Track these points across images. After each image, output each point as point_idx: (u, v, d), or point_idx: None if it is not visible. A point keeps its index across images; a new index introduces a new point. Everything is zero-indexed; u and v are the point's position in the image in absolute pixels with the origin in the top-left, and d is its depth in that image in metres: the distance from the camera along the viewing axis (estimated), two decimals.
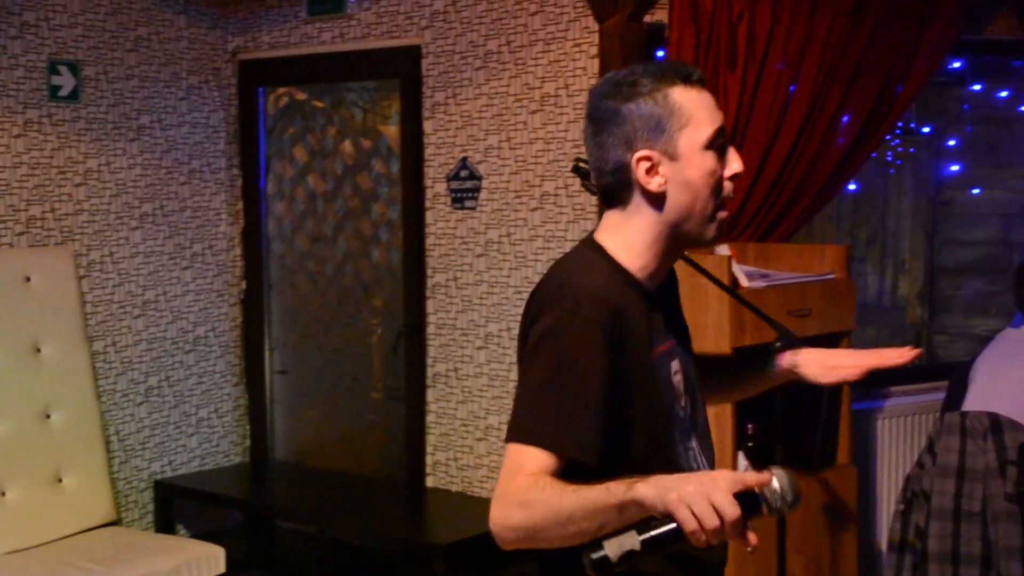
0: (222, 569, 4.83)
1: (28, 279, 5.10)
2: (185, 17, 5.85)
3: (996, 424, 4.10)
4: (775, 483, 1.85)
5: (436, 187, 5.43)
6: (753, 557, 4.18)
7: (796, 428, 4.26)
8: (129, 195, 5.65)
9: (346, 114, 5.94)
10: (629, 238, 2.18)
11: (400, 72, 5.55)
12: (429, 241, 5.47)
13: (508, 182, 5.16)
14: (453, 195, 5.36)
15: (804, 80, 4.65)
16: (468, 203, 5.31)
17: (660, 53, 4.80)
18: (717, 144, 2.13)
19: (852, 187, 5.87)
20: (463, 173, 5.32)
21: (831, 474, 4.43)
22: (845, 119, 4.79)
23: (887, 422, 5.22)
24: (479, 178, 5.25)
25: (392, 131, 5.74)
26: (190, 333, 5.96)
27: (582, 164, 3.48)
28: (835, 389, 4.36)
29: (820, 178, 4.78)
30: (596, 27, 4.76)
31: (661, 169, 2.12)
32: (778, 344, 3.60)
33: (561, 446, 1.97)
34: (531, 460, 1.96)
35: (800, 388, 4.12)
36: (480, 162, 5.24)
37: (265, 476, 6.02)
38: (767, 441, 4.29)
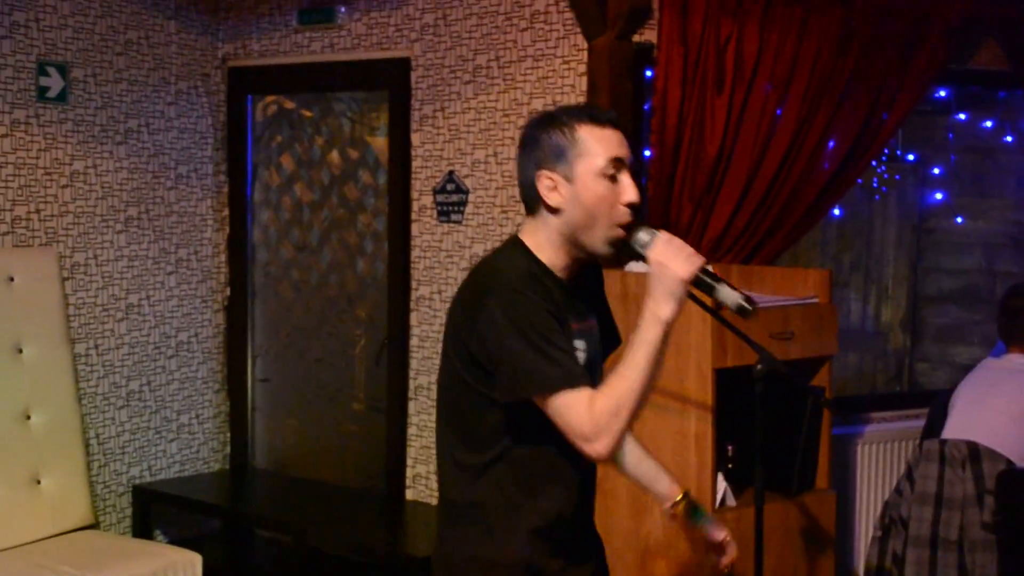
0: None
1: (11, 279, 5.06)
2: (176, 22, 5.83)
3: (975, 453, 4.10)
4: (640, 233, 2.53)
5: (423, 199, 5.41)
6: None
7: (776, 451, 4.23)
8: (115, 198, 5.63)
9: (334, 124, 5.92)
10: (540, 240, 2.63)
11: (389, 84, 5.55)
12: (414, 253, 5.45)
13: (494, 197, 5.14)
14: (439, 208, 5.34)
15: (791, 103, 4.65)
16: (454, 216, 5.30)
17: (648, 73, 4.79)
18: (609, 174, 2.53)
19: (837, 212, 5.89)
20: (450, 187, 5.30)
21: (810, 498, 4.40)
22: (831, 144, 4.78)
23: (867, 447, 5.22)
24: (466, 192, 5.23)
25: (380, 142, 5.72)
26: (173, 338, 5.94)
27: None
28: (815, 413, 4.34)
29: (805, 201, 4.77)
30: (585, 45, 4.78)
31: (560, 189, 2.56)
32: (759, 367, 3.59)
33: (577, 380, 2.44)
34: (576, 401, 2.42)
35: (780, 412, 4.13)
36: (467, 176, 5.23)
37: (244, 484, 6.00)
38: (746, 463, 4.26)
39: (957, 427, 4.25)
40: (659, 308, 2.43)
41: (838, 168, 4.80)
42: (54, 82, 5.33)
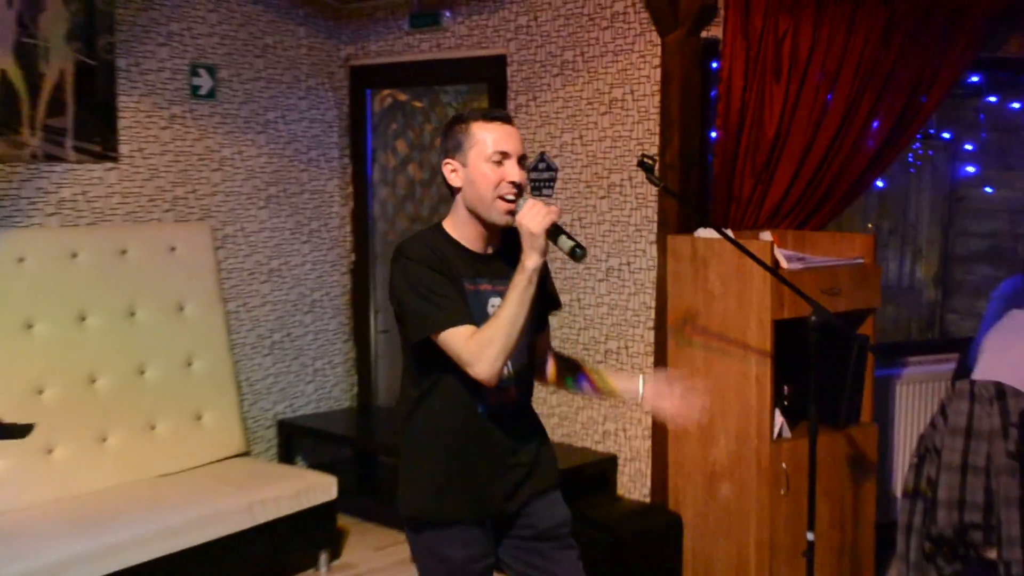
0: (334, 495, 4.89)
1: (173, 249, 5.20)
2: (305, 28, 5.92)
3: (1001, 392, 4.09)
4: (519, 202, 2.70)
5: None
6: (788, 498, 4.23)
7: (826, 390, 4.25)
8: (257, 179, 5.74)
9: (441, 113, 5.99)
10: (454, 218, 2.84)
11: (488, 78, 5.56)
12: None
13: (580, 174, 5.18)
14: (532, 184, 5.39)
15: (840, 90, 4.62)
16: (545, 191, 5.35)
17: (714, 64, 4.79)
18: (495, 160, 2.72)
19: (879, 184, 5.84)
20: (541, 165, 5.36)
21: (855, 430, 4.45)
22: (875, 125, 4.74)
23: (905, 387, 5.22)
24: (555, 170, 5.28)
25: None
26: (308, 297, 6.04)
27: (647, 159, 3.54)
28: (860, 357, 4.38)
29: (852, 175, 4.76)
30: (659, 41, 4.75)
31: (459, 172, 2.78)
32: (813, 318, 3.66)
33: (458, 320, 2.68)
34: (457, 335, 2.67)
35: (829, 356, 4.17)
36: (556, 156, 5.27)
37: (369, 418, 6.08)
38: (800, 401, 4.32)
39: (986, 369, 4.23)
40: (526, 258, 2.63)
41: (881, 146, 4.77)
42: (204, 81, 5.45)
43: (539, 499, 2.97)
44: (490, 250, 2.86)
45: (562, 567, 2.97)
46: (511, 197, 2.73)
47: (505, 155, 2.74)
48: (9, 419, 4.30)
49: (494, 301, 2.79)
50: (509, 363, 2.77)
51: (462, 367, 2.68)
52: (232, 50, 5.58)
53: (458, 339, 2.68)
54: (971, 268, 6.63)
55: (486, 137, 2.75)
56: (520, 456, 2.92)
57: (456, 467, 2.85)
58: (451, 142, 2.79)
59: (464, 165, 2.76)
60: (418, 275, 2.71)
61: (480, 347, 2.64)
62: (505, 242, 2.86)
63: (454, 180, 2.79)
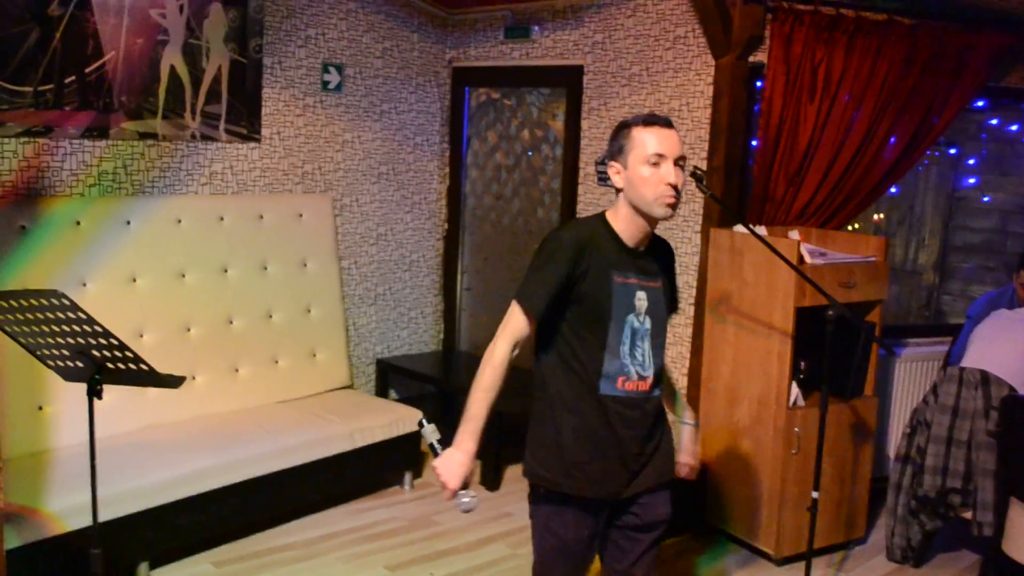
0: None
1: (301, 215, 5.22)
2: (418, 35, 5.87)
3: (986, 379, 4.00)
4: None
5: (587, 169, 5.41)
6: (797, 456, 4.16)
7: (836, 367, 4.20)
8: (372, 159, 5.73)
9: (526, 110, 5.93)
10: (615, 211, 2.58)
11: (567, 83, 5.51)
12: (579, 206, 5.46)
13: None
14: (599, 175, 5.33)
15: (864, 110, 4.51)
16: (609, 182, 5.25)
17: (758, 84, 4.69)
18: (652, 162, 2.47)
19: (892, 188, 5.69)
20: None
21: (859, 402, 4.36)
22: (892, 140, 4.63)
23: (903, 365, 5.10)
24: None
25: (558, 125, 5.72)
26: (407, 258, 6.04)
27: (698, 171, 3.44)
28: (867, 342, 4.27)
29: (871, 183, 4.65)
30: (713, 62, 4.67)
31: (622, 174, 2.53)
32: (830, 312, 3.55)
33: (527, 304, 2.50)
34: (516, 314, 2.52)
35: (840, 338, 4.08)
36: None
37: (452, 360, 6.09)
38: (814, 375, 4.25)
39: (974, 359, 4.14)
40: (459, 443, 2.52)
41: (896, 159, 4.65)
42: (333, 78, 5.44)
43: (652, 493, 2.67)
44: (642, 248, 2.59)
45: (642, 558, 2.68)
46: (670, 200, 2.47)
47: (662, 157, 2.47)
48: (161, 364, 4.35)
49: (640, 295, 2.55)
50: (650, 354, 2.56)
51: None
52: (357, 52, 5.55)
53: (512, 314, 2.51)
54: (966, 258, 6.47)
55: (645, 140, 2.48)
56: (645, 445, 2.62)
57: (582, 445, 2.55)
58: (615, 145, 2.55)
59: (625, 167, 2.51)
60: (550, 254, 2.49)
61: (487, 361, 2.51)
62: (653, 242, 2.64)
63: (617, 181, 2.54)
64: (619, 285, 2.52)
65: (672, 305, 2.73)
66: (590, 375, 2.52)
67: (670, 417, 2.80)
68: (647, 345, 2.57)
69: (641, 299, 2.55)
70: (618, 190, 2.56)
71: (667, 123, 2.52)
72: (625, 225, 2.55)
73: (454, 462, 2.49)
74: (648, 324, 2.57)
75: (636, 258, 2.57)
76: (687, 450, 2.84)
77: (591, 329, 2.51)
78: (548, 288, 2.49)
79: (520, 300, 2.52)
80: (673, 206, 2.48)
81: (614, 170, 2.55)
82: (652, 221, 2.53)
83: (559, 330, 2.54)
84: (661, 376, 2.66)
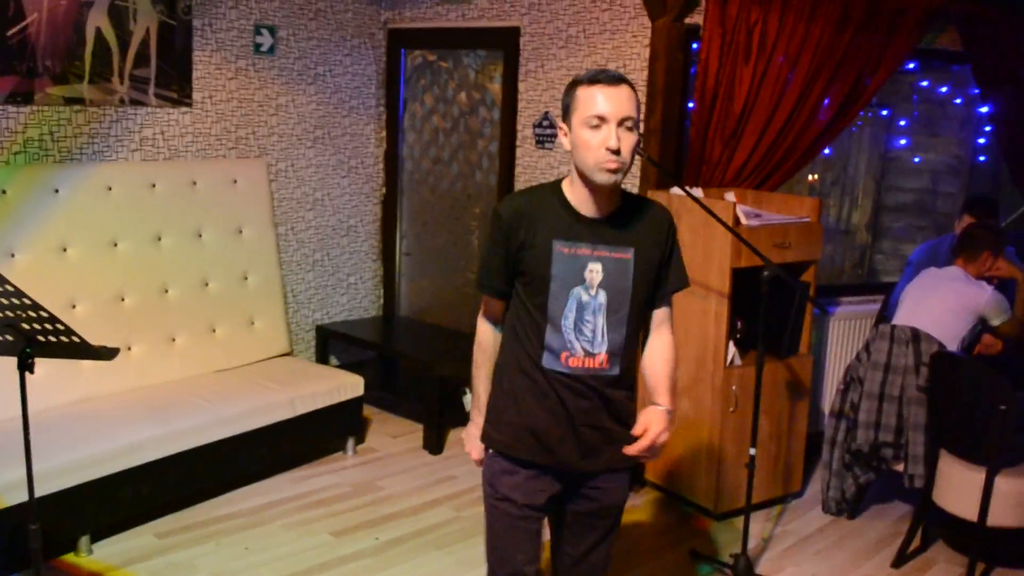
0: (361, 392, 4.89)
1: (235, 181, 5.13)
2: None
3: (916, 336, 4.09)
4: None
5: (525, 131, 5.40)
6: (735, 414, 4.23)
7: (772, 326, 4.24)
8: (307, 123, 5.65)
9: (463, 73, 5.89)
10: (570, 177, 2.42)
11: (504, 45, 5.48)
12: (517, 170, 5.46)
13: None
14: (537, 138, 5.33)
15: (799, 72, 4.54)
16: (547, 145, 5.28)
17: (694, 46, 4.70)
18: (592, 124, 2.28)
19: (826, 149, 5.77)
20: (544, 123, 5.28)
21: (794, 360, 4.43)
22: (826, 102, 4.68)
23: (836, 323, 5.19)
24: (556, 127, 5.20)
25: (495, 88, 5.69)
26: (345, 223, 6.00)
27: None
28: (802, 299, 4.34)
29: (805, 144, 4.69)
30: (649, 24, 4.66)
31: (568, 136, 2.35)
32: (766, 273, 3.61)
33: (485, 289, 2.51)
34: (485, 298, 2.54)
35: (775, 298, 4.13)
36: (558, 115, 5.13)
37: (392, 327, 6.06)
38: (750, 334, 4.31)
39: (904, 316, 4.22)
40: (472, 424, 2.62)
41: (830, 120, 4.69)
42: (266, 40, 5.33)
43: (614, 474, 2.53)
44: (601, 214, 2.38)
45: (598, 547, 2.59)
46: (613, 162, 2.27)
47: (602, 119, 2.26)
48: (95, 335, 4.27)
49: (592, 266, 2.36)
50: (604, 330, 2.40)
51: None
52: (290, 13, 5.45)
53: (483, 298, 2.54)
54: (898, 217, 6.60)
55: (587, 100, 2.27)
56: (596, 420, 2.45)
57: (534, 412, 2.44)
58: (563, 105, 2.36)
59: (571, 129, 2.32)
60: (489, 232, 2.44)
61: (475, 346, 2.59)
62: (625, 207, 2.43)
63: (565, 143, 2.35)
64: (562, 255, 2.36)
65: (671, 278, 2.51)
66: (535, 346, 2.42)
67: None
68: (600, 320, 2.39)
69: (594, 271, 2.37)
70: (569, 153, 2.38)
71: (614, 80, 2.29)
72: (576, 192, 2.38)
73: (468, 436, 2.64)
74: (602, 298, 2.38)
75: (596, 226, 2.38)
76: (640, 423, 2.42)
77: (533, 301, 2.41)
78: (495, 266, 2.45)
79: (478, 285, 2.54)
80: (616, 171, 2.28)
81: (562, 132, 2.38)
82: (598, 190, 2.35)
83: (513, 303, 2.48)
84: (628, 354, 2.46)
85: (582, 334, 2.39)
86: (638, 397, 2.72)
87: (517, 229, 2.38)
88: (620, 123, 2.27)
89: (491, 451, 2.56)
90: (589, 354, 2.40)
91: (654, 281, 2.47)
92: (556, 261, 2.36)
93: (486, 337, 2.57)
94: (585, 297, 2.38)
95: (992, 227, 4.39)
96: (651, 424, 2.37)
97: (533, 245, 2.37)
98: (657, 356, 2.54)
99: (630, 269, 2.40)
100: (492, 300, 2.52)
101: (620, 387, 2.47)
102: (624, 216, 2.42)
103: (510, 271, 2.44)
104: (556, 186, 2.42)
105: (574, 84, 2.33)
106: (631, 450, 2.39)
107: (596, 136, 2.27)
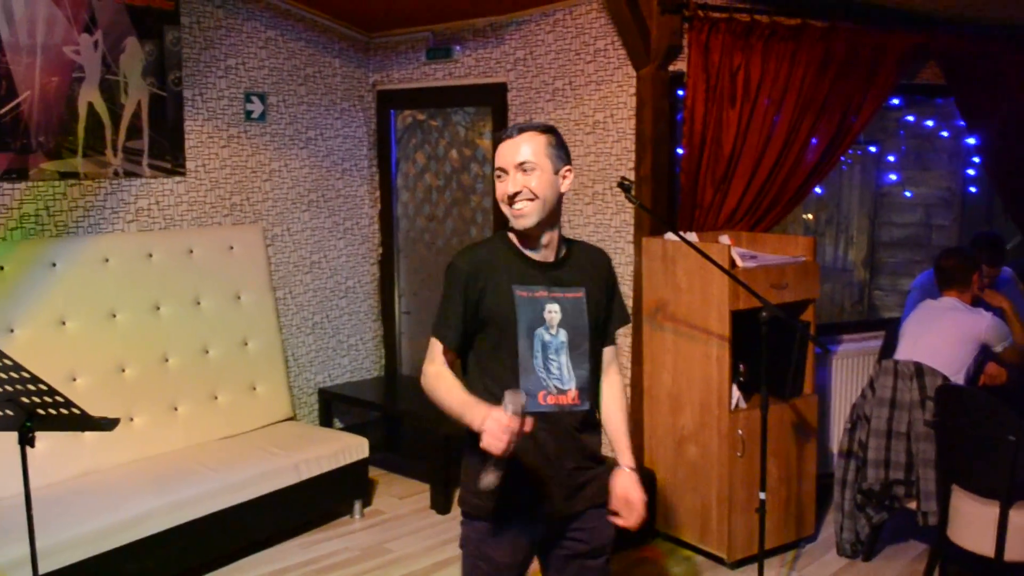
0: (366, 454, 4.85)
1: (231, 247, 5.15)
2: (340, 60, 5.85)
3: (920, 370, 4.08)
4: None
5: None
6: (743, 459, 4.20)
7: (775, 368, 4.24)
8: (301, 187, 5.68)
9: (453, 131, 5.94)
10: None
11: (492, 101, 5.52)
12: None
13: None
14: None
15: (784, 114, 4.61)
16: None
17: (680, 92, 4.74)
18: (497, 176, 2.43)
19: (817, 189, 5.81)
20: None
21: (799, 401, 4.41)
22: (814, 142, 4.74)
23: (839, 361, 5.18)
24: None
25: (486, 143, 5.73)
26: (343, 284, 5.99)
27: (625, 181, 3.47)
28: (803, 340, 4.34)
29: (795, 184, 4.74)
30: (634, 73, 4.71)
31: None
32: (764, 314, 3.61)
33: (442, 338, 2.47)
34: (436, 346, 2.48)
35: (777, 339, 4.13)
36: None
37: (395, 386, 6.04)
38: (753, 377, 4.29)
39: (906, 351, 4.22)
40: (472, 418, 2.28)
41: (819, 159, 4.75)
42: (256, 107, 5.38)
43: (597, 511, 2.53)
44: (551, 258, 2.49)
45: None
46: (518, 205, 2.37)
47: (503, 171, 2.41)
48: (97, 407, 4.26)
49: (551, 307, 2.44)
50: (569, 367, 2.46)
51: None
52: (279, 79, 5.51)
53: (433, 348, 2.47)
54: (893, 252, 6.63)
55: (498, 155, 2.43)
56: (574, 458, 2.49)
57: (514, 470, 2.34)
58: None
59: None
60: (447, 284, 2.46)
61: (432, 380, 2.44)
62: (571, 251, 2.55)
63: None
64: (523, 299, 2.43)
65: (615, 316, 2.64)
66: (499, 389, 2.37)
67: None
68: (564, 358, 2.46)
69: (552, 312, 2.45)
70: None
71: (517, 131, 2.43)
72: (520, 239, 2.47)
73: (489, 420, 2.27)
74: (563, 336, 2.46)
75: (547, 270, 2.48)
76: (617, 495, 2.53)
77: (501, 348, 2.43)
78: (454, 317, 2.45)
79: (434, 333, 2.50)
80: (525, 215, 2.38)
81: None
82: (529, 237, 2.45)
83: (476, 356, 2.49)
84: (593, 390, 2.54)
85: (551, 372, 2.46)
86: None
87: (476, 279, 2.44)
88: (518, 167, 2.40)
89: (473, 515, 2.51)
90: (561, 391, 2.47)
91: (603, 320, 2.60)
92: (520, 304, 2.44)
93: (437, 370, 2.46)
94: (547, 337, 2.46)
95: (959, 251, 4.43)
96: (629, 493, 2.51)
97: (496, 292, 2.44)
98: (613, 404, 2.66)
99: (584, 307, 2.51)
100: (447, 352, 2.48)
101: (589, 422, 2.55)
102: (571, 259, 2.55)
103: (468, 324, 2.46)
104: (503, 236, 2.52)
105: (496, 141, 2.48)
106: (629, 526, 2.50)
107: (501, 187, 2.43)
